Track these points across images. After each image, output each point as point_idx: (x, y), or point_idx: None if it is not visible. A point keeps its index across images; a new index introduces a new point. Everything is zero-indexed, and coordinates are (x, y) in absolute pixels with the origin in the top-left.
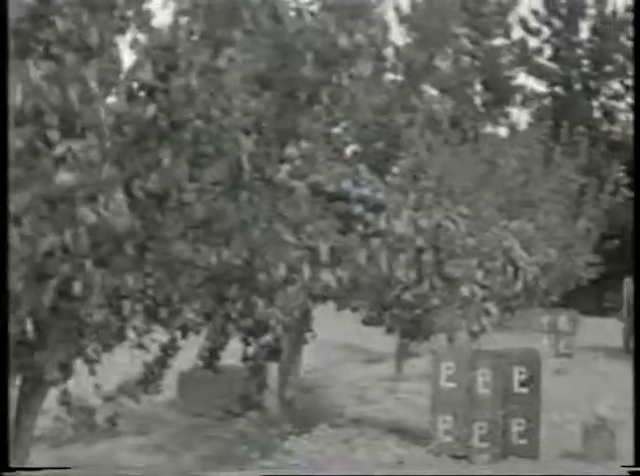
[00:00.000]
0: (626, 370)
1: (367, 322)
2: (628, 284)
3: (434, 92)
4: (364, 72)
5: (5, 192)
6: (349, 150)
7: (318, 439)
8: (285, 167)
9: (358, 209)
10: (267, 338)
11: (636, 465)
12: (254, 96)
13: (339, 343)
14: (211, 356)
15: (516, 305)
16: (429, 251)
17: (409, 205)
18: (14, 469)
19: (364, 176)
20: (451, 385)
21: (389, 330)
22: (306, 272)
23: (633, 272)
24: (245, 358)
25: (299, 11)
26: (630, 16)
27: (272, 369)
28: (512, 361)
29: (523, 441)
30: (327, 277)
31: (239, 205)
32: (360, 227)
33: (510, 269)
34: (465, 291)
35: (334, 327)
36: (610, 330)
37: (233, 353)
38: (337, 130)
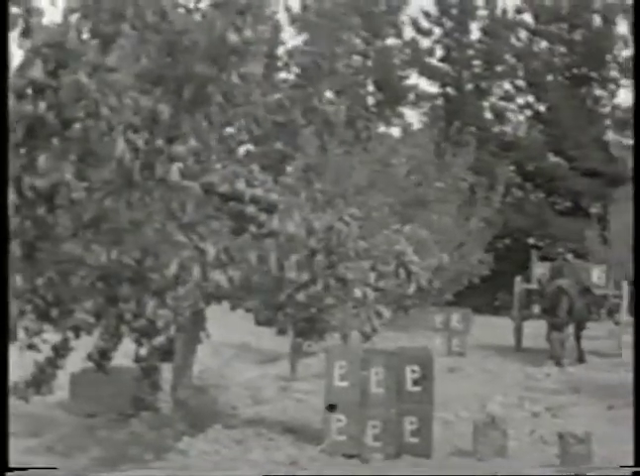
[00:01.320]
0: (516, 368)
1: (260, 322)
2: (518, 283)
3: (328, 93)
4: (254, 71)
5: (5, 192)
6: (242, 149)
7: (212, 440)
8: (176, 166)
9: (251, 210)
10: (161, 339)
11: (636, 465)
12: (144, 94)
13: (233, 343)
14: (101, 357)
15: (410, 305)
16: (322, 253)
17: (301, 206)
18: (14, 469)
19: (257, 176)
20: (344, 384)
21: (281, 331)
22: (196, 272)
23: (633, 274)
24: (137, 359)
25: (187, 8)
26: (519, 17)
27: (166, 369)
28: (405, 360)
29: (416, 440)
30: (218, 277)
31: (130, 205)
32: (253, 227)
33: (403, 272)
34: (357, 292)
35: (228, 327)
36: (502, 329)
37: (125, 353)
38: (230, 129)
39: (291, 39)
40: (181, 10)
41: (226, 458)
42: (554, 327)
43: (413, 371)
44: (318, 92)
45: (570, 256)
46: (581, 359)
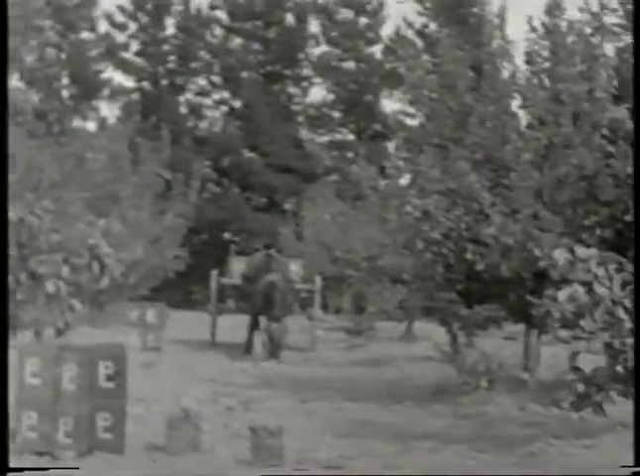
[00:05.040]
0: (211, 362)
1: None
2: (214, 277)
3: (19, 84)
4: None
5: (5, 195)
6: None
7: None
8: None
9: None
10: None
11: (636, 465)
12: None
13: None
14: None
15: (105, 301)
16: (14, 247)
17: None
18: (14, 470)
19: None
20: (35, 381)
21: None
22: None
23: (634, 275)
24: None
25: None
26: (213, 14)
27: None
28: (98, 356)
29: (109, 436)
30: None
31: None
32: None
33: (96, 265)
34: (50, 286)
35: None
36: (198, 323)
37: None
38: None
39: None
40: None
41: None
42: (267, 321)
43: (107, 367)
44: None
45: (273, 251)
46: (275, 353)
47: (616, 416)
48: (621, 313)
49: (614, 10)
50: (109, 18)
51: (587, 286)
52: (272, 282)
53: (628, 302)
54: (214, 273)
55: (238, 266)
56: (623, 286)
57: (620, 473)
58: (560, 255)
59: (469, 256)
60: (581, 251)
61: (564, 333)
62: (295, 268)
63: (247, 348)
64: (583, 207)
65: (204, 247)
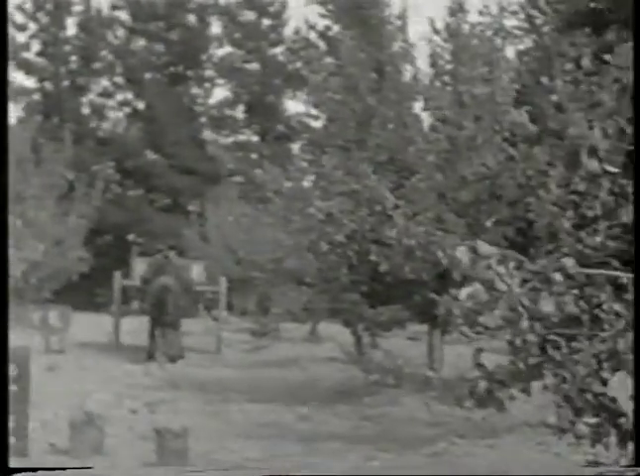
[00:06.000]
0: (115, 365)
1: None
2: (118, 279)
3: None
4: None
5: (5, 193)
6: None
7: None
8: None
9: None
10: None
11: (636, 465)
12: None
13: None
14: None
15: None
16: None
17: None
18: (14, 470)
19: None
20: None
21: None
22: None
23: (634, 276)
24: None
25: None
26: (115, 14)
27: None
28: None
29: (12, 439)
30: None
31: None
32: None
33: None
34: None
35: None
36: (102, 326)
37: None
38: None
39: None
40: None
41: None
42: (160, 325)
43: (10, 370)
44: None
45: (172, 253)
46: (179, 356)
47: (521, 415)
48: (521, 310)
49: (514, 13)
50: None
51: (488, 283)
52: (166, 285)
53: (526, 300)
54: (117, 274)
55: (141, 267)
56: (522, 283)
57: (621, 473)
58: (462, 253)
59: (372, 257)
60: (482, 248)
61: (466, 329)
62: (199, 270)
63: (149, 353)
64: (485, 207)
65: (108, 249)
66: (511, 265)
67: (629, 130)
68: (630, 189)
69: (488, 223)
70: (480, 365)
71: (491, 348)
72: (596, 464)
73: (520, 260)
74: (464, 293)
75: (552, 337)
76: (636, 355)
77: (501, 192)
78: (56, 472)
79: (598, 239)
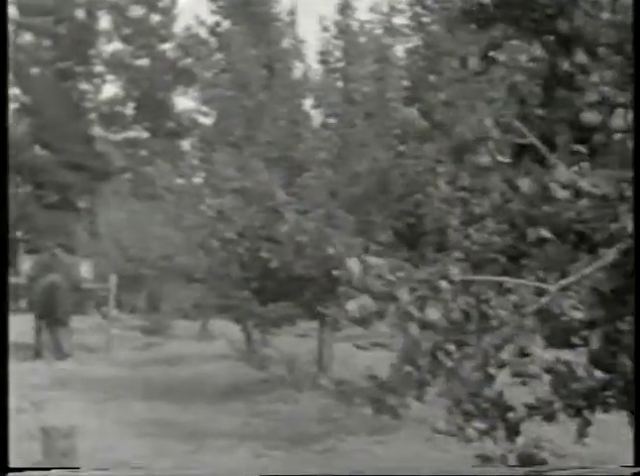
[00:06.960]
0: None
1: None
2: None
3: None
4: None
5: (5, 192)
6: None
7: None
8: None
9: None
10: None
11: (636, 465)
12: None
13: None
14: None
15: None
16: None
17: None
18: (14, 469)
19: None
20: None
21: None
22: None
23: (634, 275)
24: None
25: None
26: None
27: None
28: None
29: None
30: None
31: None
32: None
33: None
34: None
35: None
36: None
37: None
38: None
39: None
40: None
41: None
42: (49, 322)
43: None
44: None
45: (59, 250)
46: (67, 354)
47: (411, 412)
48: (409, 320)
49: (403, 11)
50: None
51: (379, 294)
52: (53, 282)
53: (414, 309)
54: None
55: (27, 265)
56: (410, 292)
57: (621, 473)
58: (353, 265)
59: (263, 254)
60: (372, 260)
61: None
62: (87, 267)
63: (36, 350)
64: (375, 203)
65: None
66: (400, 274)
67: (516, 124)
68: (519, 183)
69: (379, 219)
70: (372, 377)
71: (387, 355)
72: (485, 459)
73: (408, 269)
74: (351, 305)
75: (442, 345)
76: (636, 354)
77: (391, 188)
78: (56, 472)
79: (486, 235)
